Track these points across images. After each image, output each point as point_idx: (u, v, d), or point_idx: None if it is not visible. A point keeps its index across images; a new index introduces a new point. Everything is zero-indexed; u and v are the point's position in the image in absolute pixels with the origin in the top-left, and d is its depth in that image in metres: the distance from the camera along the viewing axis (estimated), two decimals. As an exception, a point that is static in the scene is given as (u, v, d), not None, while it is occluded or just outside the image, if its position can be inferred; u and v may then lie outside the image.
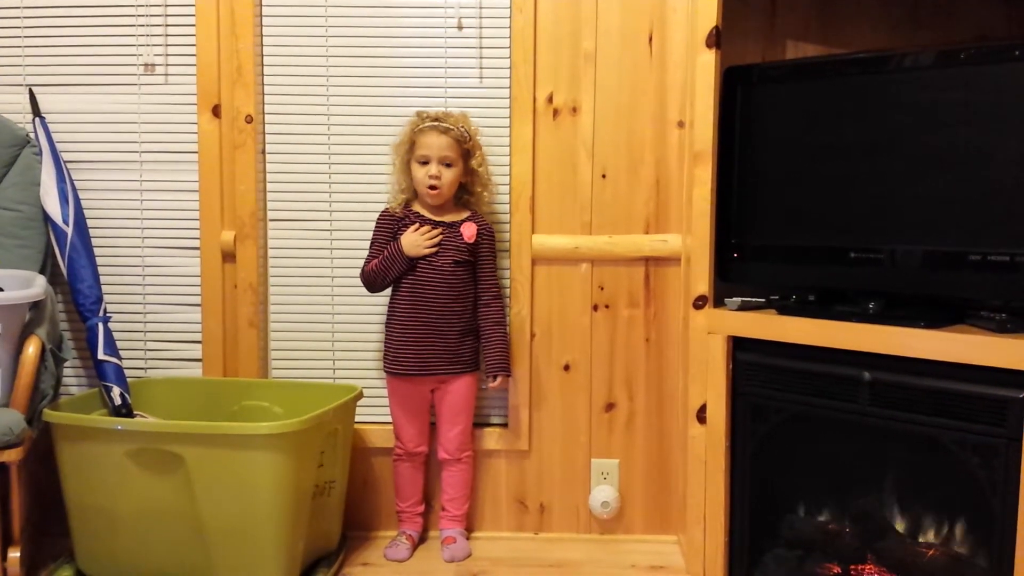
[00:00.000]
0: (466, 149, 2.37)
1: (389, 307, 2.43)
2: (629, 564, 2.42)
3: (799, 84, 2.12)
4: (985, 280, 1.83)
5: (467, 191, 2.43)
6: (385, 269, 2.37)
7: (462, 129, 2.35)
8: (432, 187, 2.33)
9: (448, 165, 2.34)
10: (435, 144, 2.32)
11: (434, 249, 2.36)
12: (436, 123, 2.33)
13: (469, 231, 2.39)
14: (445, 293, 2.37)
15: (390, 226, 2.41)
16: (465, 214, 2.43)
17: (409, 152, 2.35)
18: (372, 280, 2.40)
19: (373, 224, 2.43)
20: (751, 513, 2.19)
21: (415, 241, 2.35)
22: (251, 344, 2.55)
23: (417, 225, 2.38)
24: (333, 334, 2.59)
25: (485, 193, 2.44)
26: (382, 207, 2.45)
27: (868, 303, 1.98)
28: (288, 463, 2.08)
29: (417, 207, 2.42)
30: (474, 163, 2.39)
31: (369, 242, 2.43)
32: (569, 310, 2.55)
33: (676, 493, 2.55)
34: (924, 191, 1.91)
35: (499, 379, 2.42)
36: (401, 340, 2.39)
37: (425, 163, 2.33)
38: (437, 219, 2.40)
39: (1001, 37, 2.27)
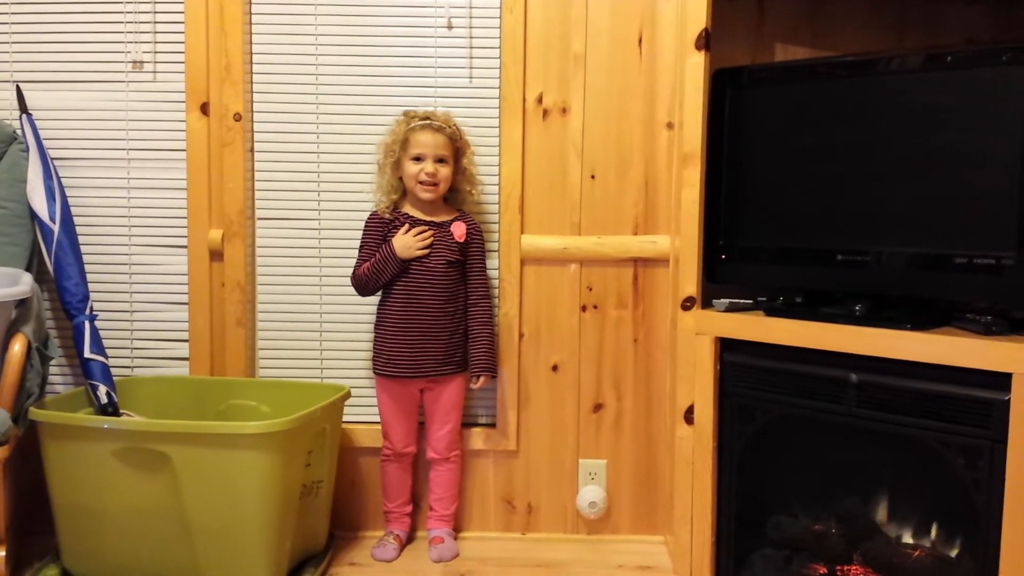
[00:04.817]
0: (458, 148, 2.37)
1: (380, 309, 2.42)
2: (616, 564, 2.43)
3: (787, 86, 2.13)
4: (971, 282, 1.84)
5: (455, 189, 2.43)
6: (378, 272, 2.36)
7: (454, 128, 2.36)
8: (427, 183, 2.33)
9: (442, 162, 2.34)
10: (430, 142, 2.32)
11: (427, 250, 2.36)
12: (429, 122, 2.33)
13: (459, 230, 2.39)
14: (438, 294, 2.37)
15: (380, 229, 2.40)
16: (454, 214, 2.43)
17: (402, 150, 2.34)
18: (364, 284, 2.39)
19: (361, 223, 2.43)
20: (738, 513, 2.20)
21: (407, 243, 2.35)
22: (238, 343, 2.54)
23: (408, 226, 2.37)
24: (321, 333, 2.58)
25: (473, 191, 2.44)
26: (371, 206, 2.44)
27: (855, 305, 1.99)
28: (275, 463, 2.08)
29: (407, 208, 2.41)
30: (465, 161, 2.40)
31: (359, 243, 2.42)
32: (558, 310, 2.55)
33: (663, 493, 2.55)
34: (911, 193, 1.92)
35: (482, 379, 2.42)
36: (393, 342, 2.38)
37: (419, 160, 2.33)
38: (427, 219, 2.40)
39: (988, 41, 2.28)
